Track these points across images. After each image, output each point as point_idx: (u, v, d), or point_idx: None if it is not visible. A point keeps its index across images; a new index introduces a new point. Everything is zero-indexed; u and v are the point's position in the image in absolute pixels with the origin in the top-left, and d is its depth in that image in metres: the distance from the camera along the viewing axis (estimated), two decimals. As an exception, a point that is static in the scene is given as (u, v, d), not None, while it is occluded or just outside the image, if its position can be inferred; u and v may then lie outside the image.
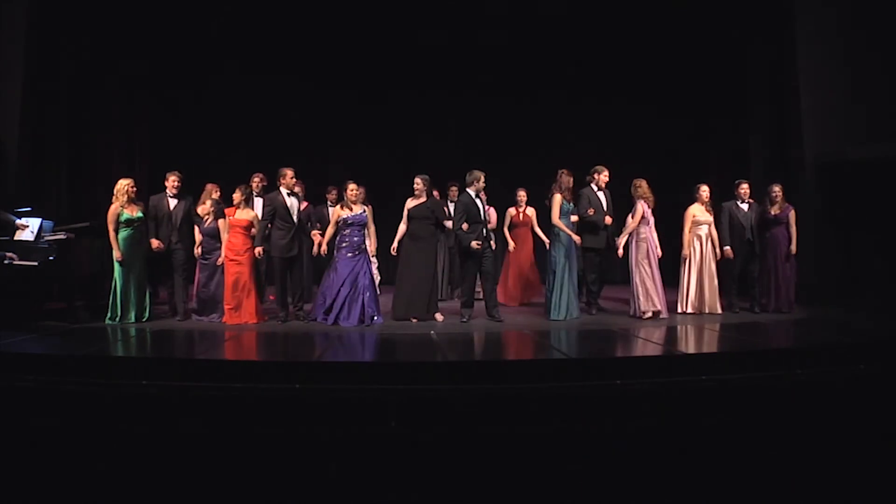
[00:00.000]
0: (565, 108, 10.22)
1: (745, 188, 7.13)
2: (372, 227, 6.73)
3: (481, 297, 6.85)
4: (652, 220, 6.81)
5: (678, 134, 10.19)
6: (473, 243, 6.38)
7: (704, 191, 7.06)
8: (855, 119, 7.75)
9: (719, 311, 6.95)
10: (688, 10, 8.90)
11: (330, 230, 6.54)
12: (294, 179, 6.50)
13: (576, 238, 6.72)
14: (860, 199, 7.61)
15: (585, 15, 9.20)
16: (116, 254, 6.31)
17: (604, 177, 7.00)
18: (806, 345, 5.68)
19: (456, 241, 6.78)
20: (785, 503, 3.55)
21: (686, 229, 7.00)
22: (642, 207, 6.73)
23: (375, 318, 6.40)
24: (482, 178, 6.54)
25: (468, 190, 6.55)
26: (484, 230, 6.47)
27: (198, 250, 6.63)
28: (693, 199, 7.10)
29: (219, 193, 6.85)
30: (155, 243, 6.56)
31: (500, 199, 7.93)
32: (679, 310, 6.96)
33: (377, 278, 7.03)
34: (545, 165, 7.91)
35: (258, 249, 6.39)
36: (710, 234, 7.02)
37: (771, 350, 5.26)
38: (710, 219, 7.06)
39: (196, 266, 6.76)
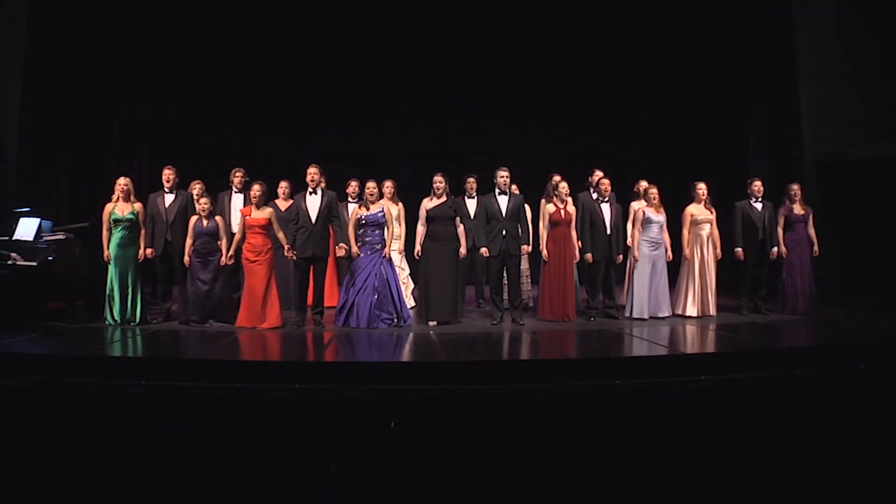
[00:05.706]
0: (561, 109, 10.16)
1: (758, 186, 6.80)
2: (392, 228, 6.36)
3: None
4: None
5: (677, 133, 10.16)
6: (482, 250, 6.23)
7: (701, 189, 6.77)
8: (855, 119, 7.74)
9: (715, 312, 6.72)
10: (687, 8, 8.93)
11: (350, 229, 6.32)
12: (312, 177, 6.15)
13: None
14: (860, 199, 7.60)
15: (584, 18, 9.21)
16: (105, 253, 6.25)
17: (602, 185, 6.62)
18: (806, 345, 5.69)
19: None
20: (785, 503, 3.55)
21: (685, 230, 6.78)
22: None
23: (389, 320, 6.18)
24: (498, 174, 6.25)
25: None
26: (503, 231, 6.16)
27: (187, 258, 6.23)
28: (690, 198, 6.86)
29: (202, 190, 6.63)
30: (141, 253, 6.36)
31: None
32: (678, 312, 6.72)
33: (409, 285, 6.84)
34: (539, 167, 7.86)
35: (290, 254, 6.13)
36: (711, 234, 6.76)
37: (771, 350, 5.26)
38: (711, 217, 6.76)
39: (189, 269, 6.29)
